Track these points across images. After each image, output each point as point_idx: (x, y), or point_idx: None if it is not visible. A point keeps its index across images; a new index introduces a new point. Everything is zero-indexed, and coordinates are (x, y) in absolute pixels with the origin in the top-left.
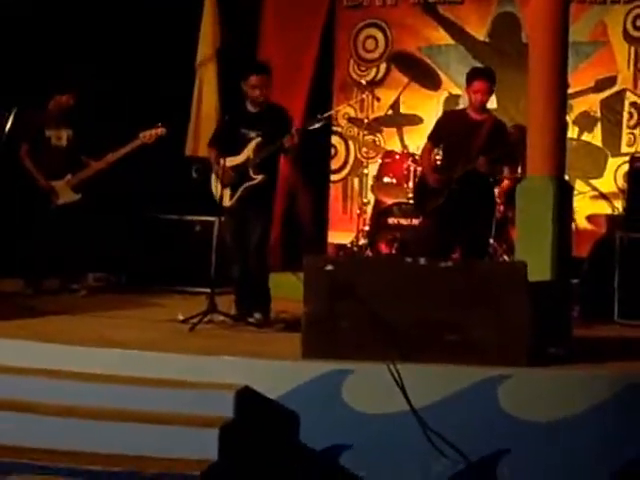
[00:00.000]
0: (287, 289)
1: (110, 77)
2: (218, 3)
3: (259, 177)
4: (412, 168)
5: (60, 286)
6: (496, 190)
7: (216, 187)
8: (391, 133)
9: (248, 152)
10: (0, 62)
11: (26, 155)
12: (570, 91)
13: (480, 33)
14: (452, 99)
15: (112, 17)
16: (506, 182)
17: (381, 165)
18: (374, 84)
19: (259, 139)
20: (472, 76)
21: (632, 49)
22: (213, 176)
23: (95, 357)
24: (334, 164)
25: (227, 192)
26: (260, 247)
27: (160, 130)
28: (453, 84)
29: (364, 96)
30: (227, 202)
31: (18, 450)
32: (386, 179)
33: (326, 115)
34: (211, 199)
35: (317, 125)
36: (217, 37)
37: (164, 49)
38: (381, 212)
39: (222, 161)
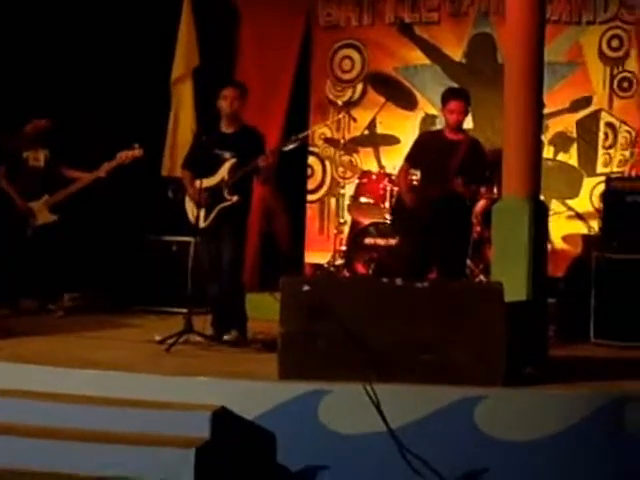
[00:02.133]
0: (264, 309)
1: (86, 97)
2: (195, 22)
3: (234, 198)
4: (389, 188)
5: (37, 307)
6: (475, 210)
7: (191, 208)
8: (368, 153)
9: (222, 173)
10: None
11: (2, 177)
12: (546, 111)
13: (456, 54)
14: (429, 119)
15: (88, 36)
16: (482, 202)
17: (358, 185)
18: (350, 104)
19: (233, 160)
20: (447, 96)
21: (607, 69)
22: (187, 198)
23: (72, 378)
24: (310, 184)
25: (202, 213)
26: (234, 266)
27: (137, 151)
28: (429, 104)
29: (340, 116)
30: (202, 223)
31: None
32: (363, 199)
33: (301, 135)
34: (187, 219)
35: (292, 146)
36: (193, 56)
37: (140, 68)
38: (358, 232)
39: (197, 182)
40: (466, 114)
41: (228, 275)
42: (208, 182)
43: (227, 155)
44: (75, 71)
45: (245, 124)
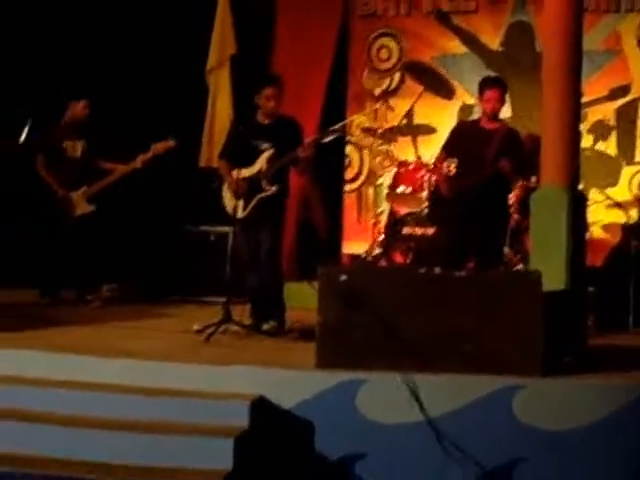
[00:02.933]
0: (302, 299)
1: (123, 88)
2: (232, 10)
3: (272, 188)
4: (426, 178)
5: (75, 297)
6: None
7: (228, 198)
8: (405, 143)
9: (261, 163)
10: (15, 73)
11: (42, 166)
12: (584, 100)
13: (494, 42)
14: (466, 108)
15: (125, 25)
16: (516, 191)
17: (395, 175)
18: (388, 94)
19: (272, 151)
20: (484, 85)
21: None
22: (225, 187)
23: (110, 368)
24: (348, 174)
25: (240, 203)
26: (272, 256)
27: (171, 142)
28: (467, 93)
29: (378, 106)
30: (240, 213)
31: (31, 460)
32: (400, 189)
33: (339, 126)
34: (225, 210)
35: (331, 137)
36: (230, 44)
37: (178, 58)
38: (395, 222)
39: (235, 172)
40: (503, 103)
41: (266, 265)
42: (246, 172)
43: (265, 146)
44: (112, 61)
45: (281, 114)
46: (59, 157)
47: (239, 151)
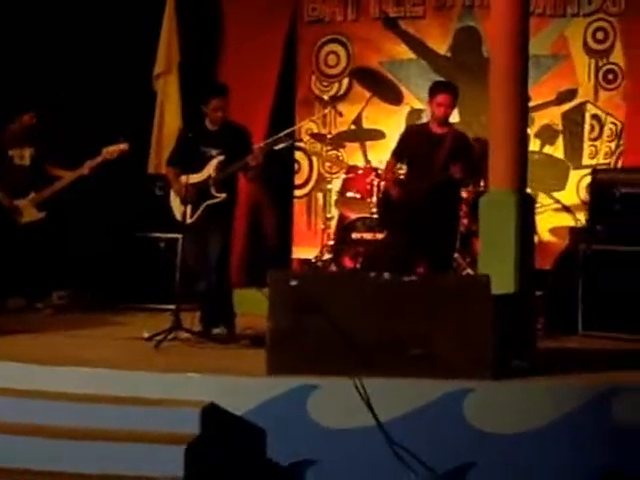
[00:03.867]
0: (252, 305)
1: (71, 93)
2: (177, 18)
3: (222, 195)
4: (375, 183)
5: (25, 305)
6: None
7: (176, 205)
8: (354, 148)
9: (209, 170)
10: None
11: None
12: (531, 104)
13: (441, 47)
14: (414, 113)
15: (71, 31)
16: (465, 196)
17: (344, 180)
18: (336, 99)
19: (221, 157)
20: (435, 89)
21: (592, 62)
22: (172, 193)
23: (60, 376)
24: (297, 179)
25: (188, 209)
26: (221, 263)
27: (123, 146)
28: (415, 98)
29: (326, 111)
30: (188, 219)
31: None
32: (350, 194)
33: (288, 132)
34: (173, 216)
35: (282, 145)
36: (176, 51)
37: (125, 64)
38: (345, 227)
39: (184, 178)
40: (453, 107)
41: (215, 271)
42: (194, 179)
43: (214, 152)
44: (59, 67)
45: (230, 121)
46: (6, 165)
47: (187, 157)
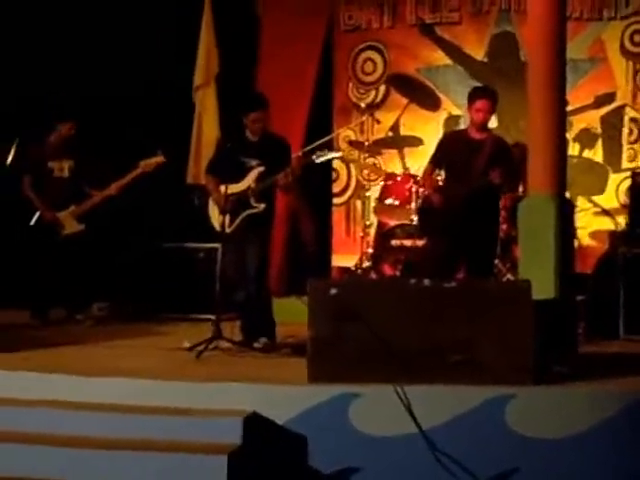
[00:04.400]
0: (292, 314)
1: (109, 106)
2: (215, 29)
3: (261, 206)
4: (414, 189)
5: (66, 317)
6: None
7: (215, 214)
8: (392, 155)
9: (249, 181)
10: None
11: (29, 187)
12: (569, 108)
13: (478, 53)
14: (452, 119)
15: (110, 42)
16: (503, 202)
17: (383, 187)
18: (373, 106)
19: (261, 168)
20: (474, 95)
21: (630, 64)
22: (211, 203)
23: (101, 387)
24: (336, 187)
25: (226, 219)
26: (260, 273)
27: (159, 158)
28: (453, 105)
29: (364, 119)
30: (226, 229)
31: None
32: (388, 201)
33: (326, 139)
34: (211, 225)
35: (324, 158)
36: (215, 62)
37: (163, 76)
38: (384, 234)
39: (223, 188)
40: (492, 113)
41: (254, 281)
42: (234, 189)
43: (253, 163)
44: (98, 78)
45: (270, 132)
46: (46, 178)
47: (227, 167)
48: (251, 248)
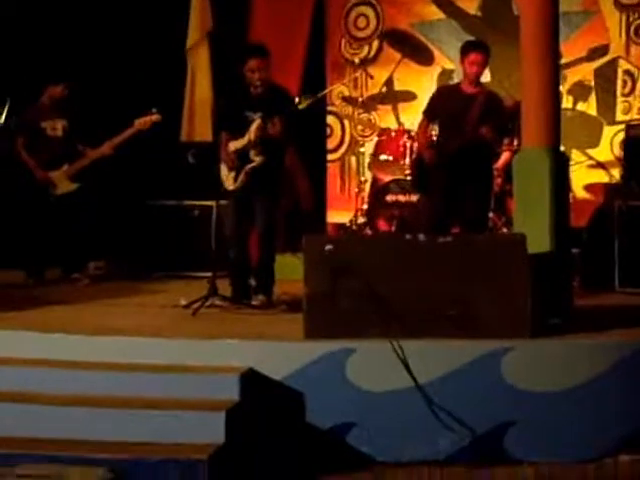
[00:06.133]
0: (288, 270)
1: (102, 65)
2: None
3: (258, 159)
4: (408, 144)
5: (62, 276)
6: (499, 162)
7: (224, 173)
8: (386, 110)
9: (250, 134)
10: None
11: (22, 148)
12: (563, 61)
13: (471, 7)
14: (446, 74)
15: (103, 4)
16: (506, 155)
17: (377, 143)
18: (367, 62)
19: (259, 121)
20: (467, 48)
21: (623, 17)
22: (222, 161)
23: (98, 345)
24: (330, 144)
25: (231, 175)
26: (268, 231)
27: (155, 116)
28: (446, 59)
29: (357, 74)
30: (231, 186)
31: (23, 441)
32: (383, 157)
33: (319, 95)
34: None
35: (306, 104)
36: (207, 20)
37: (154, 35)
38: (379, 190)
39: (231, 145)
40: (485, 66)
41: (263, 238)
42: (238, 144)
43: (256, 116)
44: (90, 38)
45: (273, 84)
46: (39, 138)
47: (233, 122)
48: (258, 206)
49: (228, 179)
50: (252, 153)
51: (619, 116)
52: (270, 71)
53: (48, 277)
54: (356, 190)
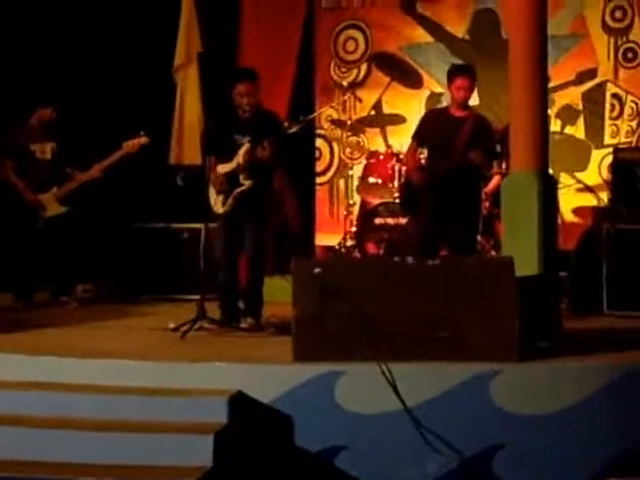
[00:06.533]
0: (277, 293)
1: (91, 87)
2: (196, 7)
3: (247, 182)
4: (397, 167)
5: (50, 299)
6: (489, 186)
7: (213, 196)
8: (375, 133)
9: (238, 158)
10: None
11: (11, 170)
12: (551, 85)
13: (459, 30)
14: (434, 97)
15: (90, 27)
16: (497, 178)
17: (366, 166)
18: (356, 85)
19: (248, 145)
20: (453, 73)
21: (611, 40)
22: (210, 184)
23: (87, 368)
24: (319, 166)
25: (220, 199)
26: (257, 254)
27: (143, 139)
28: (435, 82)
29: (346, 97)
30: (220, 209)
31: (11, 464)
32: (371, 179)
33: (308, 118)
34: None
35: (296, 128)
36: (196, 41)
37: (144, 57)
38: (368, 213)
39: (219, 168)
40: (472, 90)
41: (252, 261)
42: (227, 167)
43: (244, 140)
44: (78, 61)
45: (262, 108)
46: (28, 160)
47: (221, 146)
48: (248, 229)
49: (217, 203)
50: (241, 177)
51: (607, 139)
52: (259, 95)
53: (36, 300)
54: (345, 213)
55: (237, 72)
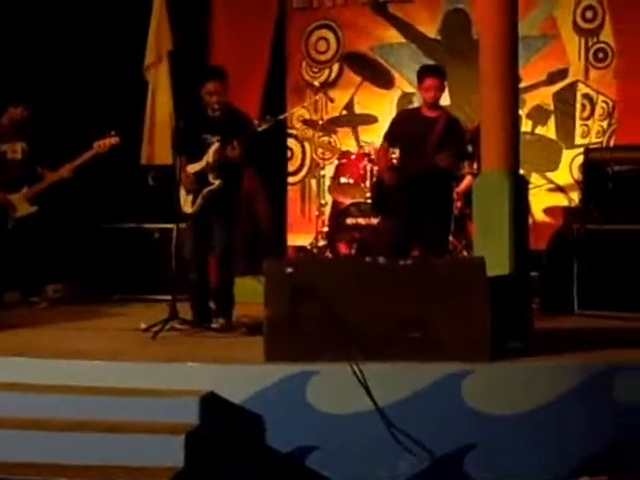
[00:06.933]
0: (248, 293)
1: (61, 86)
2: (167, 6)
3: (216, 182)
4: (368, 168)
5: (20, 299)
6: (461, 186)
7: (183, 196)
8: (346, 133)
9: (208, 157)
10: None
11: None
12: (522, 85)
13: (431, 31)
14: (406, 97)
15: (60, 25)
16: (469, 178)
17: (338, 166)
18: (327, 85)
19: (217, 144)
20: (423, 74)
21: (582, 41)
22: (181, 185)
23: (58, 369)
24: (291, 166)
25: (189, 199)
26: (226, 254)
27: (114, 139)
28: (406, 82)
29: (318, 97)
30: (189, 209)
31: None
32: (343, 179)
33: (279, 118)
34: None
35: (265, 126)
36: (167, 40)
37: (115, 57)
38: (339, 213)
39: (189, 168)
40: (442, 90)
41: (221, 261)
42: (196, 167)
43: (213, 139)
44: (49, 60)
45: (231, 107)
46: None
47: (190, 145)
48: (216, 228)
49: (186, 202)
50: (210, 176)
51: (578, 140)
52: (228, 94)
53: (6, 300)
54: (316, 213)
55: (206, 71)
